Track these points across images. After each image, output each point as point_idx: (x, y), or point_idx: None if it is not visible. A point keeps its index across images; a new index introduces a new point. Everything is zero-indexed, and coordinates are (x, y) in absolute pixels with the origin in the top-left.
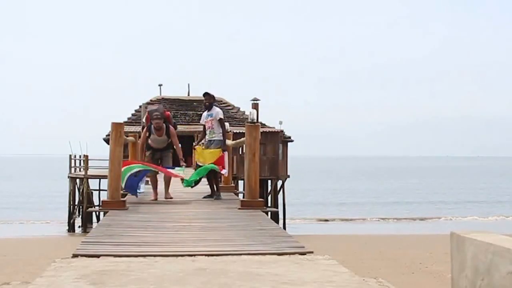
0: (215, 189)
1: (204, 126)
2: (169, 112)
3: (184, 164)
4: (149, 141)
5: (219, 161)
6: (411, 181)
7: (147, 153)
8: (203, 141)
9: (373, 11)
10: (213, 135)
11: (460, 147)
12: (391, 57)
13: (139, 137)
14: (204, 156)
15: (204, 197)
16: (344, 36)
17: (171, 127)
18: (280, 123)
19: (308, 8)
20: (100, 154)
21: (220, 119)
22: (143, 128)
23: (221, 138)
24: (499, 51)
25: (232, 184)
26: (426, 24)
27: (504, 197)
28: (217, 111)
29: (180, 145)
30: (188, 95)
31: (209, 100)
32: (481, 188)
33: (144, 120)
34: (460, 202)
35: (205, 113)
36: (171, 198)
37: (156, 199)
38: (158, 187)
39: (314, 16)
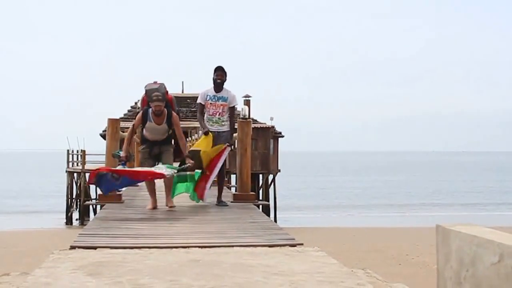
0: (218, 193)
1: (203, 106)
2: (172, 96)
3: (191, 162)
4: (144, 132)
5: (215, 159)
6: (400, 175)
7: (142, 148)
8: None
9: (362, 10)
10: (223, 125)
11: (446, 143)
12: (380, 55)
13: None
14: (209, 152)
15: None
16: (334, 34)
17: (174, 114)
18: (271, 119)
19: (298, 6)
20: (97, 149)
21: (234, 106)
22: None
23: (229, 130)
24: (485, 49)
25: (225, 178)
26: (414, 23)
27: (489, 191)
28: (233, 96)
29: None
30: (182, 92)
31: (221, 77)
32: (466, 183)
33: (139, 104)
34: (447, 196)
35: (210, 93)
36: (174, 206)
37: (154, 208)
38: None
39: (305, 14)
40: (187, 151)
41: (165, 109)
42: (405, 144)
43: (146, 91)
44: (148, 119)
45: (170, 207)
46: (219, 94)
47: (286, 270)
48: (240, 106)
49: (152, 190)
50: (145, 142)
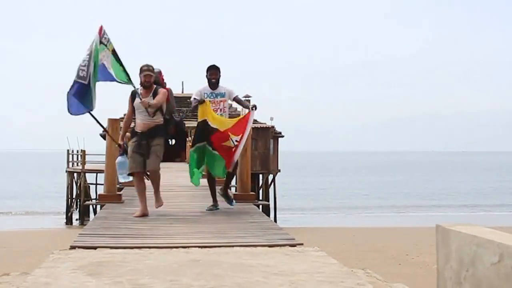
0: (225, 183)
1: (198, 100)
2: (169, 88)
3: (146, 102)
4: (136, 116)
5: (241, 126)
6: (400, 175)
7: (131, 142)
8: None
9: (362, 10)
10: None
11: (446, 143)
12: (380, 55)
13: None
14: (221, 120)
15: (208, 209)
16: (334, 34)
17: (163, 89)
18: (271, 119)
19: (298, 6)
20: (97, 149)
21: (235, 97)
22: None
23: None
24: (485, 49)
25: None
26: (414, 23)
27: (488, 191)
28: (230, 90)
29: (171, 140)
30: (182, 92)
31: (215, 76)
32: (466, 183)
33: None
34: (447, 196)
35: (207, 90)
36: (162, 204)
37: (145, 214)
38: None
39: (305, 14)
40: (183, 148)
41: (154, 86)
42: (405, 144)
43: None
44: (138, 96)
45: (160, 206)
46: (216, 91)
47: (286, 270)
48: (240, 106)
49: (142, 192)
50: (135, 134)
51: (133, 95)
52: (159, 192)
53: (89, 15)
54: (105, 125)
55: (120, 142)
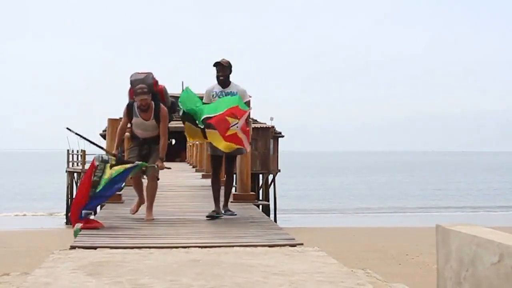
0: (224, 200)
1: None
2: (162, 86)
3: (164, 166)
4: (134, 128)
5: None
6: (399, 175)
7: (131, 146)
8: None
9: (362, 10)
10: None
11: (446, 143)
12: (380, 55)
13: None
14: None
15: (208, 217)
16: (334, 33)
17: (163, 106)
18: (271, 119)
19: (298, 6)
20: (97, 149)
21: (247, 102)
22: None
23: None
24: (485, 49)
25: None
26: (414, 23)
27: (488, 191)
28: (243, 90)
29: (171, 140)
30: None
31: (223, 73)
32: (466, 183)
33: (128, 96)
34: (447, 196)
35: (217, 89)
36: (153, 219)
37: (142, 203)
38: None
39: (305, 14)
40: (164, 152)
41: (152, 102)
42: (405, 144)
43: (131, 82)
44: (134, 114)
45: (150, 220)
46: (227, 90)
47: (286, 270)
48: None
49: (139, 189)
50: (135, 139)
51: (130, 108)
52: (152, 203)
53: (90, 15)
54: (105, 125)
55: (115, 151)
